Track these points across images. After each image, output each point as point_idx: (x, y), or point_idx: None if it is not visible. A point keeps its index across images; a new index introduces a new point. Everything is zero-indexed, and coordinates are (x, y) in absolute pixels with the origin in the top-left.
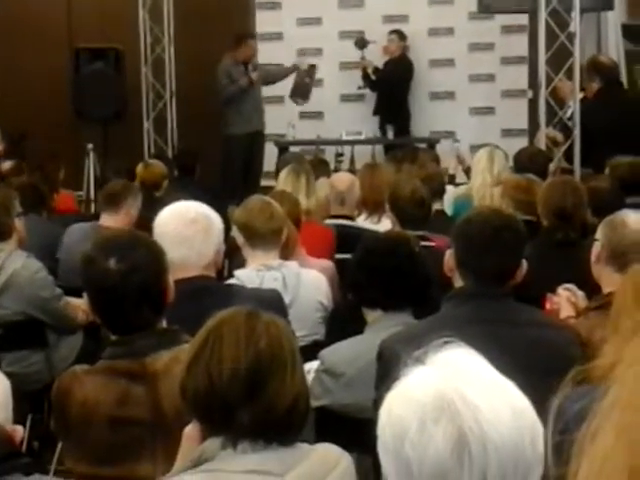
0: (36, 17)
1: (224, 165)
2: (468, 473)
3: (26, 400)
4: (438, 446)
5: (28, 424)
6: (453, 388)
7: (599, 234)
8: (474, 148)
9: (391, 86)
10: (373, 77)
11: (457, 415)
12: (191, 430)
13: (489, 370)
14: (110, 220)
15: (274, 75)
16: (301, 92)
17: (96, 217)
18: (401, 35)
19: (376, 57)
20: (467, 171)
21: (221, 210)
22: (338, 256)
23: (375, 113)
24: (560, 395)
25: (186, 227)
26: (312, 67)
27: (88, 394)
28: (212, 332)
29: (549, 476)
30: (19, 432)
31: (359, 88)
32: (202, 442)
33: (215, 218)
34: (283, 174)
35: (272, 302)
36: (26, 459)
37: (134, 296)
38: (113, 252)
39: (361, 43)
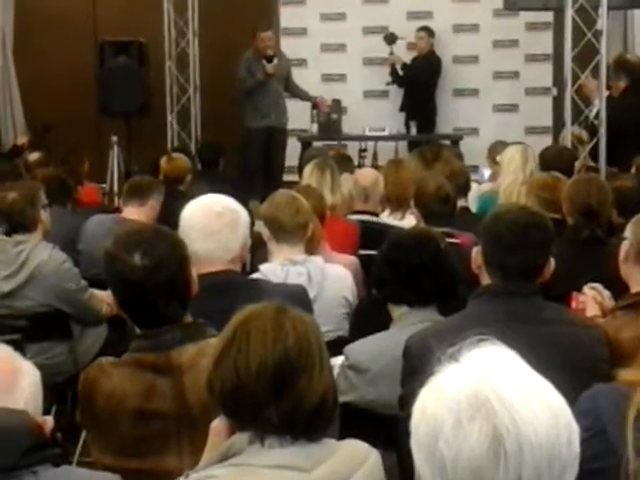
0: (61, 10)
1: (244, 159)
2: (503, 472)
3: (50, 391)
4: (473, 444)
5: (52, 416)
6: (488, 386)
7: (628, 232)
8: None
9: (419, 82)
10: (401, 73)
11: (493, 413)
12: (218, 424)
13: (525, 368)
14: (135, 213)
15: (297, 91)
16: (333, 130)
17: (118, 210)
18: (430, 32)
19: (402, 53)
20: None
21: (243, 204)
22: (362, 252)
23: (402, 109)
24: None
25: (212, 221)
26: (336, 102)
27: (115, 386)
28: (240, 327)
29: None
30: (49, 423)
31: (387, 84)
32: (229, 436)
33: (242, 212)
34: (308, 169)
35: (298, 297)
36: (56, 450)
37: (159, 291)
38: (137, 247)
39: (390, 39)
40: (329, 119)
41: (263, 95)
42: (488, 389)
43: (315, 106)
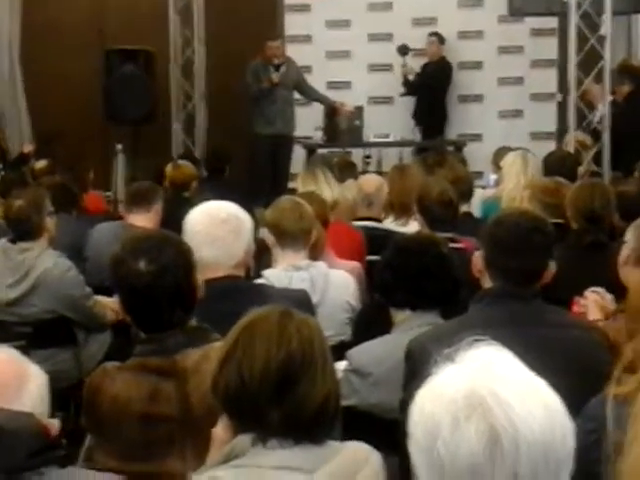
0: (68, 19)
1: (250, 165)
2: (500, 470)
3: (54, 398)
4: (470, 443)
5: (58, 423)
6: (484, 386)
7: (628, 236)
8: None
9: (430, 88)
10: (412, 75)
11: (489, 412)
12: (221, 431)
13: (520, 368)
14: (140, 220)
15: (314, 93)
16: (356, 136)
17: (121, 217)
18: (440, 38)
19: (409, 60)
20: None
21: (247, 211)
22: (367, 258)
23: (414, 116)
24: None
25: (217, 227)
26: (359, 109)
27: (119, 391)
28: (244, 331)
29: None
30: (55, 425)
31: (401, 95)
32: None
33: (245, 218)
34: (299, 181)
35: (300, 302)
36: (61, 452)
37: (165, 296)
38: (143, 253)
39: (403, 50)
40: (351, 125)
41: (270, 102)
42: (484, 389)
43: (335, 111)
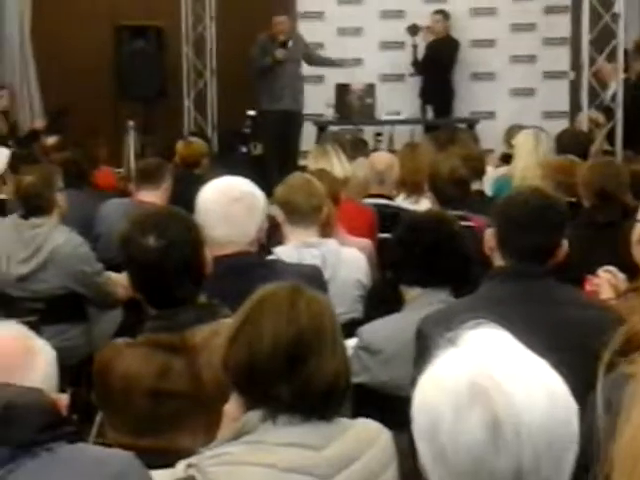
0: None
1: (260, 142)
2: (503, 458)
3: (65, 373)
4: (472, 432)
5: (67, 398)
6: (486, 373)
7: None
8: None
9: (435, 66)
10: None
11: (490, 401)
12: (231, 407)
13: (522, 351)
14: (150, 196)
15: (322, 60)
16: (367, 114)
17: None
18: (445, 15)
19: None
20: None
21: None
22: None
23: (421, 95)
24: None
25: (230, 205)
26: (370, 86)
27: (129, 366)
28: (255, 306)
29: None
30: (64, 401)
31: (410, 75)
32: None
33: (259, 195)
34: (311, 157)
35: (313, 277)
36: (71, 427)
37: (174, 271)
38: (151, 229)
39: (413, 30)
40: (363, 103)
41: (276, 78)
42: (486, 377)
43: (346, 88)
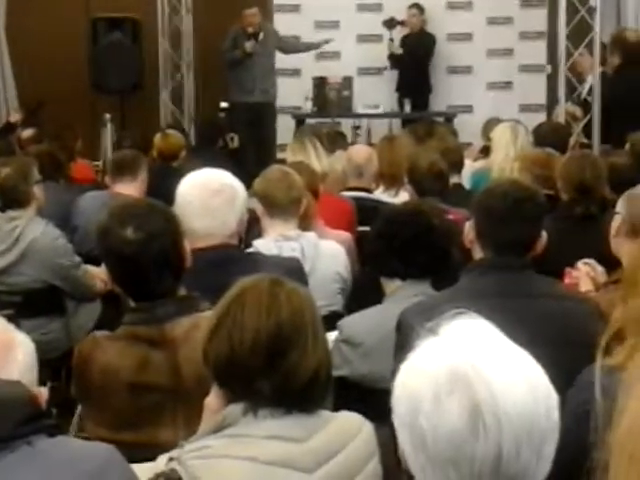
0: None
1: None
2: (483, 444)
3: (44, 368)
4: (452, 418)
5: (47, 391)
6: (466, 361)
7: (619, 207)
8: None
9: (411, 60)
10: (398, 52)
11: (470, 387)
12: (212, 400)
13: (502, 341)
14: (127, 188)
15: (297, 46)
16: (345, 107)
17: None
18: (420, 9)
19: (396, 32)
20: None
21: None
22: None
23: (397, 89)
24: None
25: (210, 198)
26: (347, 79)
27: (109, 360)
28: (234, 299)
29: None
30: (44, 394)
31: (386, 69)
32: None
33: (239, 187)
34: (289, 152)
35: (293, 270)
36: (51, 421)
37: (153, 264)
38: (130, 221)
39: (390, 24)
40: (340, 96)
41: (247, 71)
42: (466, 364)
43: (323, 82)
